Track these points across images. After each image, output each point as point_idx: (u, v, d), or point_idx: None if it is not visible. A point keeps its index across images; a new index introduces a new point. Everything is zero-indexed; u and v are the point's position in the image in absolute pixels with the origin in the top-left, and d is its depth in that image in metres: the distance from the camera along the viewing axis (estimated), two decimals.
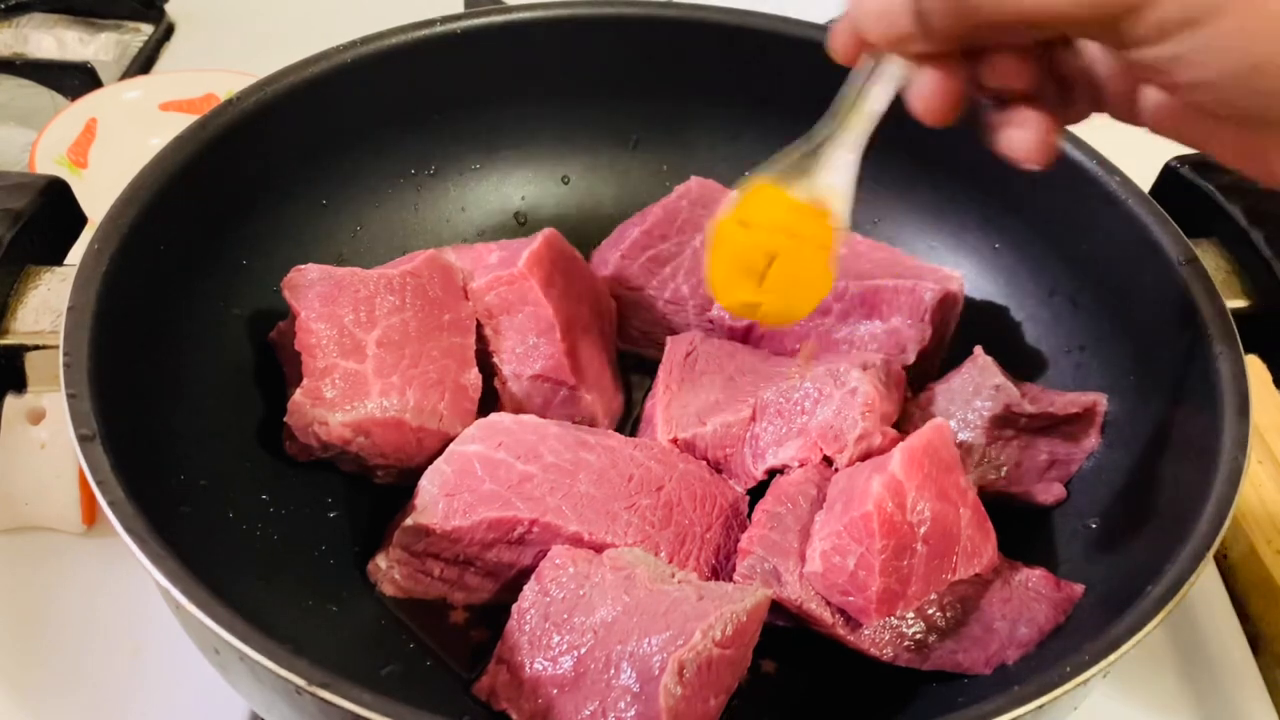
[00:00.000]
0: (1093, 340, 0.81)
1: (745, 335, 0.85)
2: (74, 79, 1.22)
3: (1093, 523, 0.74)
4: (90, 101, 1.17)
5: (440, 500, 0.68)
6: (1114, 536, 0.71)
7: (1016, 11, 0.48)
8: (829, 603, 0.67)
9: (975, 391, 0.77)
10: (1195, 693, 0.80)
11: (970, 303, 0.84)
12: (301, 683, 0.49)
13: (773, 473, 0.75)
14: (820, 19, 0.89)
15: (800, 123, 0.92)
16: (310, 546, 0.72)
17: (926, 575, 0.66)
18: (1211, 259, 0.77)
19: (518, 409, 0.78)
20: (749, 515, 0.73)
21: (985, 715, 0.51)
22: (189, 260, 0.74)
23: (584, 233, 0.92)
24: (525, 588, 0.65)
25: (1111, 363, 0.79)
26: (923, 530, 0.66)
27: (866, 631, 0.66)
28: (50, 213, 0.74)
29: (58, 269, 0.71)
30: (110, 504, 0.55)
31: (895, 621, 0.67)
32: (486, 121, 0.91)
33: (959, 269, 0.84)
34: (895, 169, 0.91)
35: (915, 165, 0.90)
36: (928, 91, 0.54)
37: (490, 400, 0.78)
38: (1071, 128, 0.80)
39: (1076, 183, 0.80)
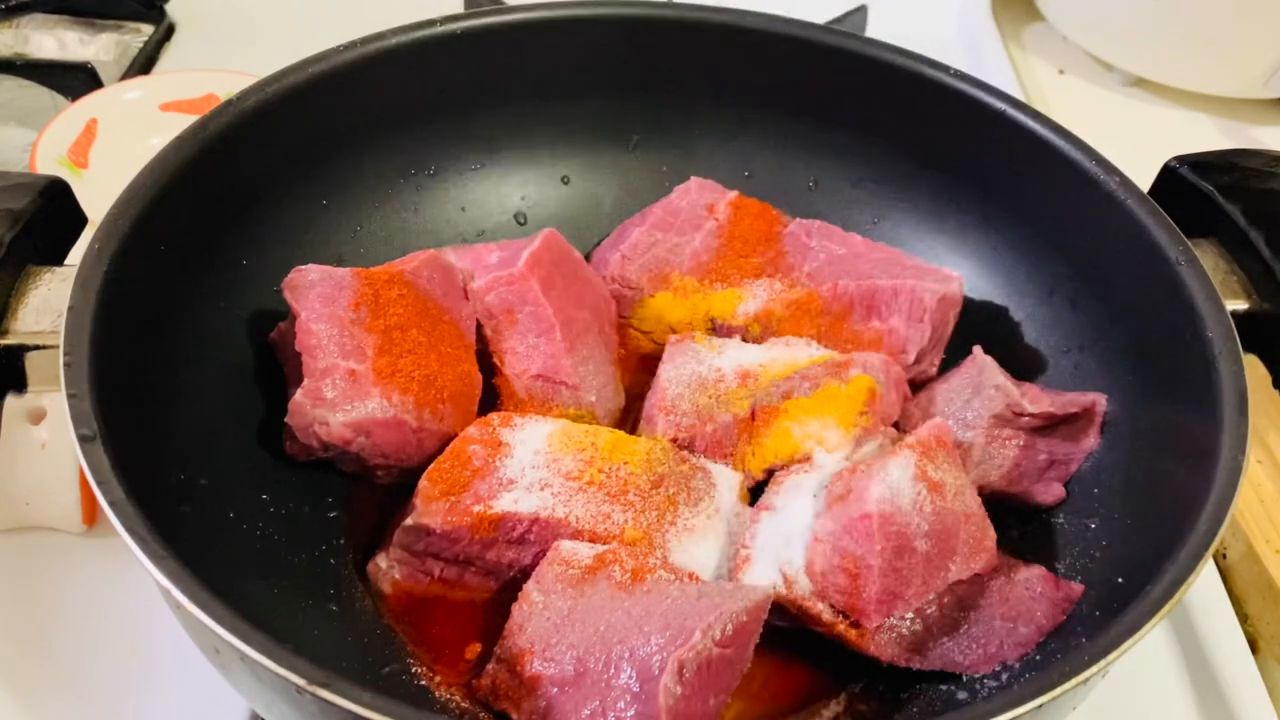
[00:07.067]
0: (1092, 340, 0.81)
1: (744, 335, 0.85)
2: (74, 79, 1.22)
3: (1092, 523, 0.74)
4: (91, 102, 1.17)
5: (440, 500, 0.68)
6: (1113, 536, 0.71)
7: None
8: (829, 603, 0.67)
9: (975, 391, 0.77)
10: (1195, 692, 0.80)
11: (970, 303, 0.84)
12: (301, 682, 0.49)
13: (772, 472, 0.75)
14: (820, 19, 0.89)
15: (799, 123, 0.94)
16: (310, 546, 0.72)
17: (926, 575, 0.66)
18: (1211, 259, 0.77)
19: (518, 408, 0.78)
20: (748, 515, 0.73)
21: (985, 715, 0.51)
22: (189, 260, 0.74)
23: (584, 233, 0.93)
24: (525, 587, 0.65)
25: (1111, 363, 0.79)
26: (922, 531, 0.66)
27: (866, 631, 0.66)
28: (50, 213, 0.74)
29: (58, 269, 0.71)
30: (110, 504, 0.55)
31: (895, 621, 0.67)
32: (486, 121, 0.91)
33: (959, 269, 0.84)
34: (895, 169, 0.92)
35: (915, 165, 0.91)
36: None
37: (490, 400, 0.78)
38: (1071, 126, 0.82)
39: (1076, 183, 0.80)
